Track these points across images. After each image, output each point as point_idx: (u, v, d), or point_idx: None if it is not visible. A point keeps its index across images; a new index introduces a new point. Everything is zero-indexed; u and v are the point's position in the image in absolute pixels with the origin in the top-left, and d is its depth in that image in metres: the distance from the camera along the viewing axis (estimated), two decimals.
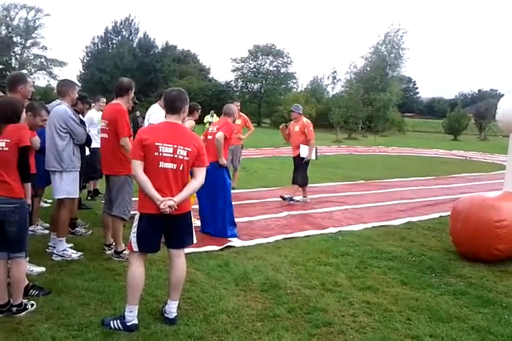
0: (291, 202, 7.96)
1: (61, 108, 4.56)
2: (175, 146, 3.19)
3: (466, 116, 39.51)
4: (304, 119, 8.12)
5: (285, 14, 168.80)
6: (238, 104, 9.06)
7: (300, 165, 8.06)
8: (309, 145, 7.91)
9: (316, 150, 8.21)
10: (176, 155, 3.19)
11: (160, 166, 3.17)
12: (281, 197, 8.03)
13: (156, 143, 3.16)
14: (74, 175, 4.66)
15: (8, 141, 3.21)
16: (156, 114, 5.89)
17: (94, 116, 7.30)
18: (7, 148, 3.21)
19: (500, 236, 4.74)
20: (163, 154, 3.17)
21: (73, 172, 4.64)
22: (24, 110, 3.48)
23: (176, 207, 3.16)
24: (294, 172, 8.22)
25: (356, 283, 4.28)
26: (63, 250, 4.63)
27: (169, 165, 3.18)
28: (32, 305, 3.44)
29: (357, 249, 5.37)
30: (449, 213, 5.67)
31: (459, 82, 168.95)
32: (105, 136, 4.69)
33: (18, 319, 3.28)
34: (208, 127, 19.56)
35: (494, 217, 4.80)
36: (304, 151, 7.95)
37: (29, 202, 3.39)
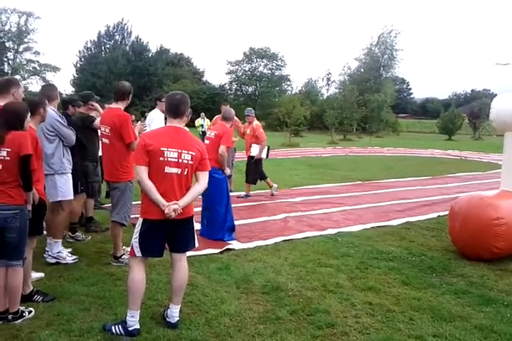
0: (248, 197, 8.56)
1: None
2: (179, 151, 3.17)
3: (460, 116, 39.55)
4: (254, 123, 8.70)
5: (279, 17, 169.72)
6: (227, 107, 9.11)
7: (249, 164, 8.66)
8: (261, 146, 8.52)
9: (268, 149, 8.86)
10: (180, 160, 3.17)
11: (165, 171, 3.15)
12: (237, 197, 8.43)
13: (161, 148, 3.14)
14: (66, 177, 4.64)
15: (9, 150, 3.19)
16: (157, 119, 5.84)
17: None
18: (8, 158, 3.20)
19: (499, 234, 4.75)
20: (169, 159, 3.15)
21: (65, 174, 4.62)
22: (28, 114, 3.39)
23: (181, 211, 3.14)
24: (246, 171, 8.84)
25: (357, 284, 4.27)
26: (58, 252, 4.59)
27: (174, 170, 3.16)
28: (30, 312, 3.40)
29: (357, 249, 5.36)
30: (447, 213, 5.68)
31: (452, 83, 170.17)
32: (107, 141, 4.62)
33: (18, 326, 3.25)
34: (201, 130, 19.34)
35: (492, 215, 4.80)
36: (254, 150, 8.58)
37: (29, 208, 3.36)
